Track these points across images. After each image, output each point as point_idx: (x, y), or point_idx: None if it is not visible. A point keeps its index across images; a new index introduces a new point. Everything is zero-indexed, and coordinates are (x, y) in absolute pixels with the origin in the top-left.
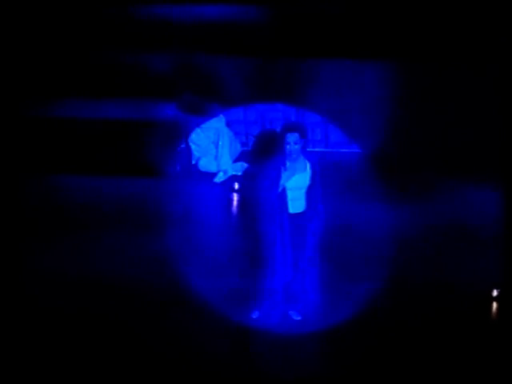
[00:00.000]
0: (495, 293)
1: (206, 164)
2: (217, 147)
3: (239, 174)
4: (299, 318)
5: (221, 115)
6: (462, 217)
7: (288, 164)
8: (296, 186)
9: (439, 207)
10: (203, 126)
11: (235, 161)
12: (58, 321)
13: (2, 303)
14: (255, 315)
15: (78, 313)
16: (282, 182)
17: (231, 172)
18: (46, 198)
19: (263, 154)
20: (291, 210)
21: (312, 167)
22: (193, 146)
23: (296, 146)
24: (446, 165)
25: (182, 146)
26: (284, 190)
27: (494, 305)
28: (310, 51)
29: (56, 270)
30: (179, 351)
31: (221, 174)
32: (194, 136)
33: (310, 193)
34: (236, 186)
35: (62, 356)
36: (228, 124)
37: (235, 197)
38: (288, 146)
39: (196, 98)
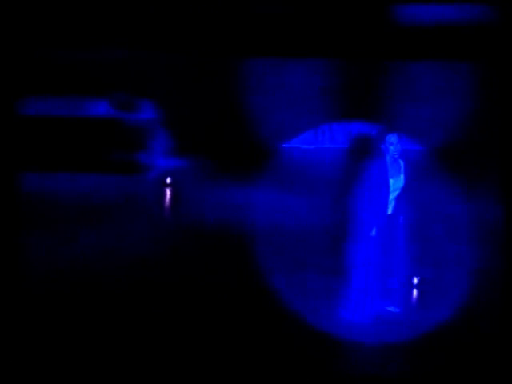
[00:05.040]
0: (416, 280)
1: (143, 158)
2: (151, 142)
3: (172, 168)
4: (397, 311)
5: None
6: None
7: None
8: (394, 187)
9: None
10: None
11: (168, 156)
12: (55, 317)
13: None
14: (344, 314)
15: (75, 308)
16: (390, 184)
17: (164, 167)
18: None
19: (361, 155)
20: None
21: (405, 168)
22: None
23: (398, 147)
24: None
25: (119, 141)
26: (388, 191)
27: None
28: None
29: (52, 267)
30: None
31: (153, 168)
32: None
33: (402, 194)
34: (168, 180)
35: (60, 353)
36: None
37: (168, 192)
38: (391, 147)
39: (127, 96)
